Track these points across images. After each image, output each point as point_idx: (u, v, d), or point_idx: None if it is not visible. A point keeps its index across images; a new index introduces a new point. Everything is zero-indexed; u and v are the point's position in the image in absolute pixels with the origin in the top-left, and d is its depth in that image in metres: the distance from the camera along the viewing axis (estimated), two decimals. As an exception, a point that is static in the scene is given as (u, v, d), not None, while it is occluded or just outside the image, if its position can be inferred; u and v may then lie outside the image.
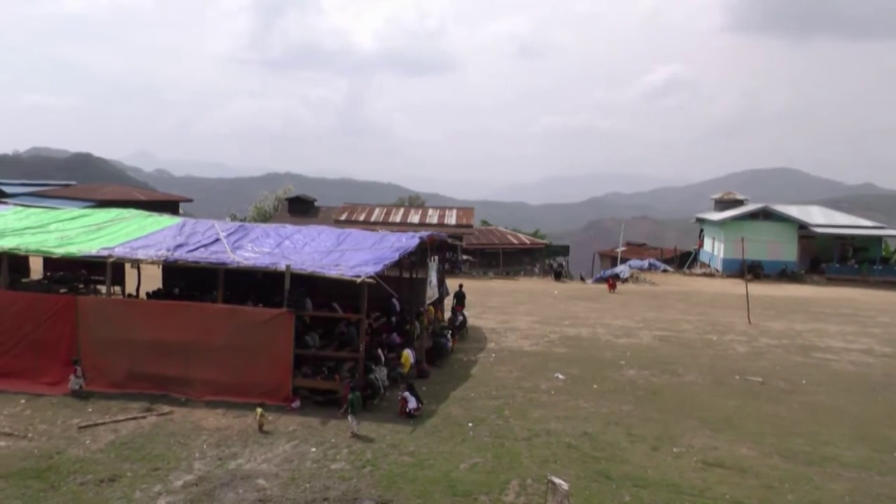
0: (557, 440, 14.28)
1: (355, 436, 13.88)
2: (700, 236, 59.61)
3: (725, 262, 50.18)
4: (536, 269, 53.39)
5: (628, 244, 67.39)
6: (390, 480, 11.95)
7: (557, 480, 10.79)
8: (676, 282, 47.39)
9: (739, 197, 58.63)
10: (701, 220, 59.74)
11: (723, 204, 57.93)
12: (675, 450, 14.11)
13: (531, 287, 41.78)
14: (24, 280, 21.19)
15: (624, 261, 54.46)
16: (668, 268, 54.58)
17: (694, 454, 13.93)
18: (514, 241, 56.24)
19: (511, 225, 74.52)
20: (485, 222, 69.07)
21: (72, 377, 15.78)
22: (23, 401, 15.24)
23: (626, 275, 47.08)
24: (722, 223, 51.25)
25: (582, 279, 49.30)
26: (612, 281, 41.46)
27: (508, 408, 16.32)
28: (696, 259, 58.42)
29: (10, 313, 16.52)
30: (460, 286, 28.41)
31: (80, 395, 15.66)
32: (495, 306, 31.51)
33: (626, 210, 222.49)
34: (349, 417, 14.21)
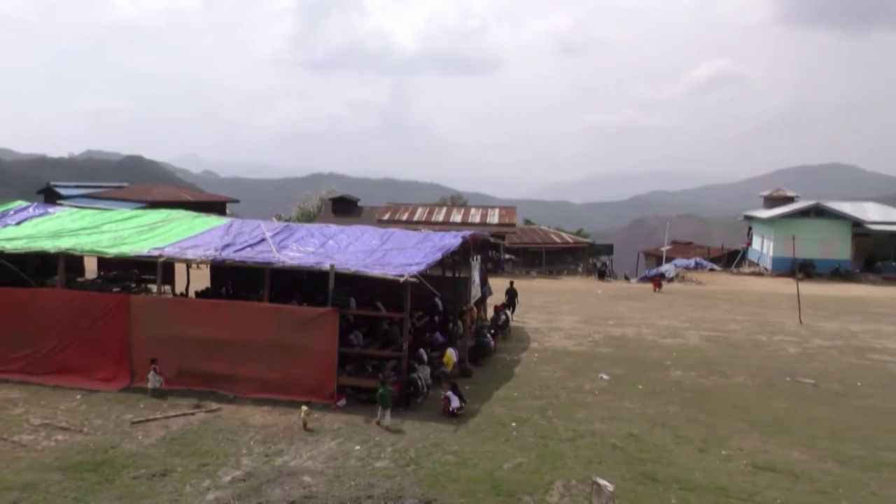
0: (602, 441, 14.14)
1: (381, 426, 14.35)
2: (748, 234, 58.31)
3: (775, 260, 49.00)
4: (580, 269, 52.92)
5: (674, 243, 66.34)
6: (434, 479, 11.98)
7: (602, 482, 10.69)
8: (724, 281, 46.44)
9: (790, 194, 57.18)
10: (749, 218, 58.43)
11: (772, 201, 56.56)
12: (723, 452, 13.83)
13: (574, 286, 41.44)
14: (79, 279, 21.84)
15: (669, 260, 53.60)
16: (716, 267, 53.53)
17: (743, 457, 13.63)
18: (557, 240, 55.84)
19: (554, 224, 74.03)
20: (527, 221, 68.75)
21: (151, 375, 15.98)
22: (79, 396, 15.72)
23: (672, 274, 46.34)
24: (771, 221, 50.05)
25: (626, 278, 48.70)
26: (658, 280, 40.85)
27: (552, 408, 16.22)
28: (744, 258, 57.17)
29: (67, 311, 17.04)
30: (511, 283, 28.49)
31: (159, 393, 15.89)
32: (538, 306, 31.33)
33: (671, 208, 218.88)
34: (378, 410, 14.58)
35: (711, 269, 51.99)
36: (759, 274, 50.20)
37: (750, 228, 58.19)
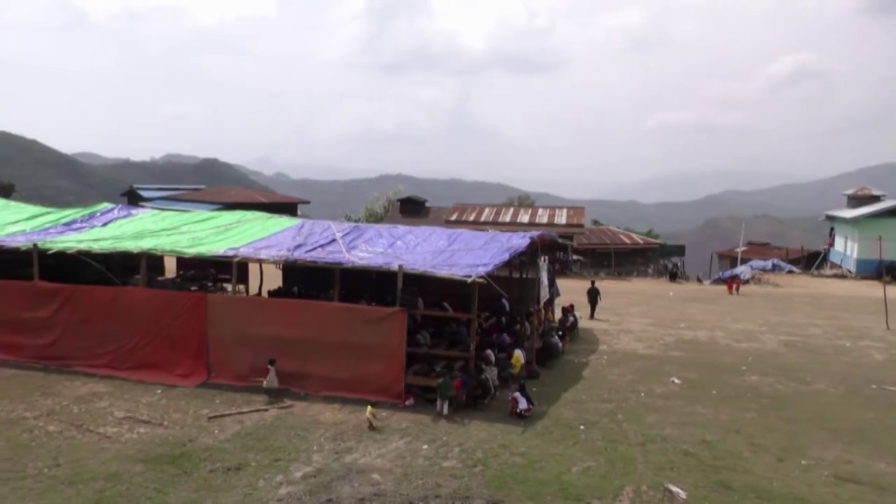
0: (674, 447, 13.79)
1: (441, 416, 14.97)
2: (830, 235, 55.89)
3: (860, 262, 46.78)
4: (650, 270, 51.87)
5: (749, 244, 64.19)
6: (501, 480, 11.94)
7: (675, 488, 10.44)
8: (803, 283, 44.61)
9: (876, 192, 54.47)
10: (831, 219, 55.99)
11: (856, 200, 54.00)
12: (802, 462, 13.29)
13: (644, 288, 40.60)
14: (159, 278, 22.72)
15: (744, 261, 51.86)
16: (794, 269, 51.47)
17: (824, 468, 13.05)
18: (627, 241, 54.89)
19: (623, 224, 72.77)
20: (596, 222, 67.82)
21: (271, 375, 16.10)
22: (159, 391, 16.37)
23: (747, 276, 44.82)
24: (856, 221, 47.80)
25: (699, 280, 47.39)
26: (734, 282, 39.55)
27: (621, 411, 15.93)
28: (825, 259, 54.81)
29: (148, 309, 17.75)
30: (592, 283, 28.53)
31: (275, 393, 15.99)
32: (607, 307, 30.79)
33: (746, 208, 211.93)
34: (438, 401, 15.19)
35: (790, 272, 50.01)
36: (843, 276, 48.01)
37: (832, 229, 55.77)
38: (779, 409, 16.54)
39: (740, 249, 57.18)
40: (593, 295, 28.42)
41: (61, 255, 18.53)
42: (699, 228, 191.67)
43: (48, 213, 22.83)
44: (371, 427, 14.32)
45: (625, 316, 29.08)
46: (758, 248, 63.00)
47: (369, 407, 14.73)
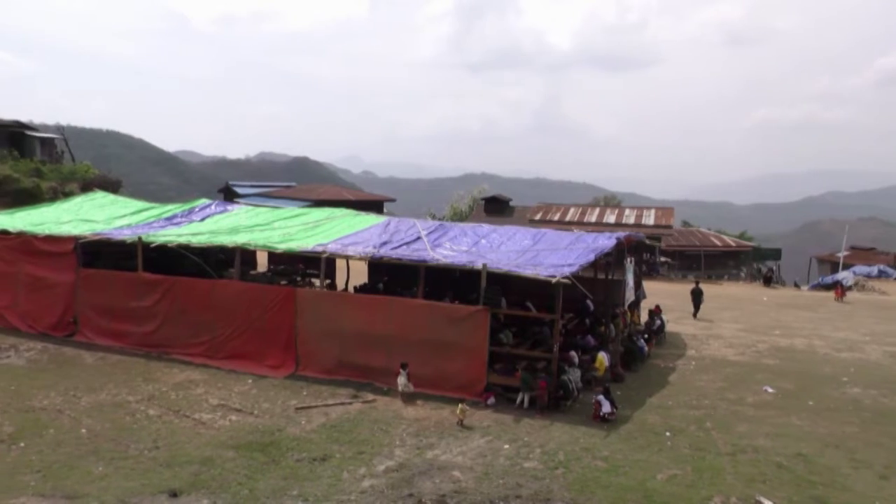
0: (766, 458, 13.22)
1: (522, 408, 15.36)
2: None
3: (976, 270, 43.48)
4: (742, 274, 49.97)
5: (853, 248, 60.75)
6: (583, 484, 11.78)
7: (767, 502, 10.01)
8: (912, 291, 41.85)
9: None
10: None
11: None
12: (909, 481, 12.48)
13: (736, 292, 39.09)
14: (252, 272, 23.59)
15: (847, 267, 49.16)
16: (903, 276, 48.37)
17: (933, 488, 12.22)
18: (718, 244, 53.06)
19: (714, 226, 70.29)
20: (685, 223, 65.88)
21: (402, 379, 15.99)
22: (250, 381, 17.00)
23: (850, 282, 42.45)
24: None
25: (796, 285, 45.27)
26: (841, 289, 37.42)
27: (710, 419, 15.41)
28: (938, 266, 51.22)
29: (241, 301, 18.46)
30: (696, 283, 28.26)
31: (407, 397, 15.79)
32: (696, 311, 29.90)
33: (849, 210, 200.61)
34: (519, 394, 15.63)
35: (898, 278, 47.04)
36: (956, 285, 44.75)
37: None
38: (882, 424, 15.59)
39: (842, 254, 54.21)
40: (697, 295, 28.57)
41: (162, 248, 19.54)
42: (797, 231, 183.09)
43: (151, 207, 24.10)
44: (461, 424, 14.36)
45: (715, 321, 28.09)
46: (862, 253, 59.59)
47: (461, 405, 14.77)
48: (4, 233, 21.04)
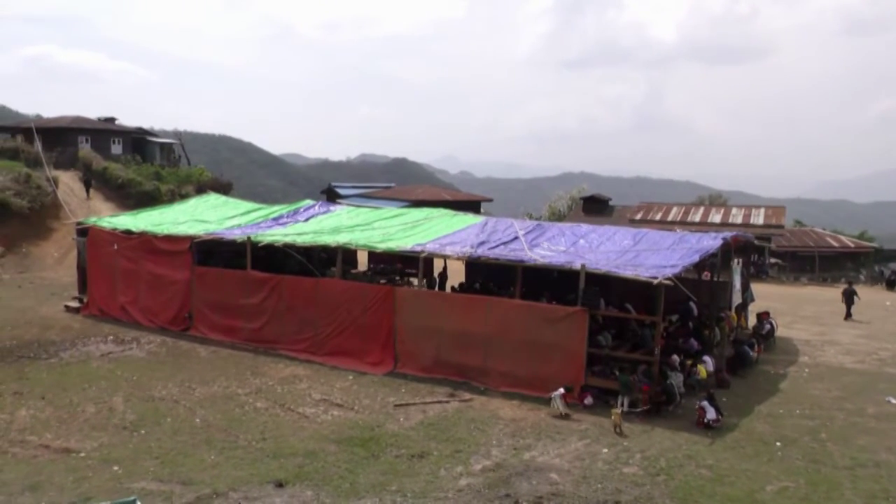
0: (889, 474, 12.36)
1: (622, 410, 14.78)
2: None
3: None
4: (862, 276, 46.75)
5: None
6: (686, 492, 11.39)
7: (889, 521, 9.35)
8: None
9: None
10: None
11: None
12: None
13: (855, 296, 36.61)
14: (353, 271, 24.22)
15: (984, 270, 45.09)
16: None
17: None
18: (834, 244, 49.94)
19: (830, 225, 66.19)
20: (798, 222, 62.39)
21: (556, 397, 15.10)
22: (350, 377, 17.47)
23: None
24: None
25: (924, 289, 41.93)
26: None
27: (826, 430, 14.55)
28: None
29: (342, 300, 19.01)
30: (849, 284, 27.48)
31: (563, 417, 14.85)
32: (809, 316, 28.29)
33: None
34: (618, 397, 15.30)
35: None
36: None
37: None
38: None
39: (979, 256, 49.85)
40: (850, 296, 28.15)
41: (269, 247, 20.39)
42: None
43: (259, 208, 25.21)
44: (618, 431, 14.03)
45: (830, 326, 26.48)
46: None
47: (615, 409, 14.47)
48: (128, 233, 22.58)
